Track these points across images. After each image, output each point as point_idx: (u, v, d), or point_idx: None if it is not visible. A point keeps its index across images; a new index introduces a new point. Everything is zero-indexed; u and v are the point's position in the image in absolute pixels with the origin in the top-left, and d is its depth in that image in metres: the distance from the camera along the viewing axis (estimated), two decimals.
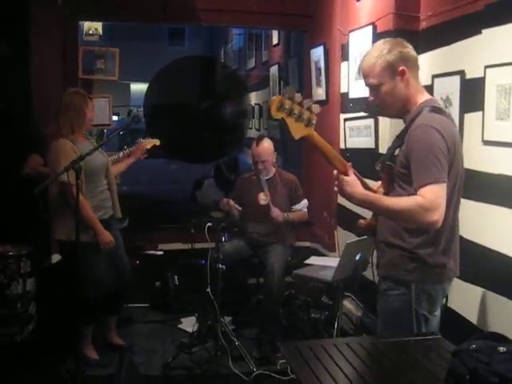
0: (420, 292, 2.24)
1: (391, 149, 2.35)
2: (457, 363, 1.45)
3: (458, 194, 2.23)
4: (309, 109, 2.10)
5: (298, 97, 2.08)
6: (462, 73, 2.98)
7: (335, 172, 2.19)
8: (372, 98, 2.28)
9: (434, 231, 2.17)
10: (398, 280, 2.27)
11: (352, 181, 2.15)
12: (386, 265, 2.33)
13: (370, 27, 3.78)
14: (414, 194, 2.09)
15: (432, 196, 2.02)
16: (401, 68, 2.19)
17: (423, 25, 3.48)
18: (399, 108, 2.26)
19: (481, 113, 2.78)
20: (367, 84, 2.27)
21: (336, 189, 2.21)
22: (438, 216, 2.02)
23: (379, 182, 2.40)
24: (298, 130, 2.11)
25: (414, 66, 2.24)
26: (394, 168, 2.27)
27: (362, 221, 2.52)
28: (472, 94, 2.89)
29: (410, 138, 2.16)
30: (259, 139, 4.18)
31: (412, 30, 3.48)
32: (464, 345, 1.48)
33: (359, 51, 3.96)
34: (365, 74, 2.26)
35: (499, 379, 1.33)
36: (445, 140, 2.09)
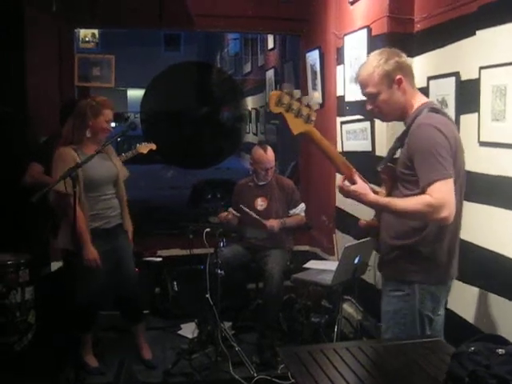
0: (424, 293, 2.26)
1: (392, 150, 2.39)
2: (456, 366, 1.44)
3: (460, 193, 2.24)
4: (308, 105, 2.11)
5: (296, 93, 2.11)
6: (457, 74, 2.99)
7: (340, 178, 2.22)
8: (370, 107, 2.32)
9: (436, 228, 2.20)
10: (402, 281, 2.28)
11: (361, 188, 2.18)
12: (389, 265, 2.34)
13: (365, 30, 3.78)
14: (418, 194, 2.12)
15: (440, 193, 2.05)
16: (398, 77, 2.24)
17: (418, 27, 3.48)
18: (397, 114, 2.32)
19: (476, 114, 2.79)
20: (365, 93, 2.31)
21: (339, 192, 2.26)
22: (448, 212, 2.05)
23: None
24: (297, 126, 2.12)
25: (409, 74, 2.29)
26: (395, 169, 2.30)
27: (362, 221, 2.52)
28: (467, 95, 2.90)
29: (412, 138, 2.19)
30: (265, 147, 4.17)
31: (406, 32, 3.49)
32: (463, 347, 1.48)
33: (354, 54, 3.97)
34: (363, 83, 2.30)
35: (498, 381, 1.33)
36: (446, 137, 2.13)
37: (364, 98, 3.68)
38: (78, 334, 3.55)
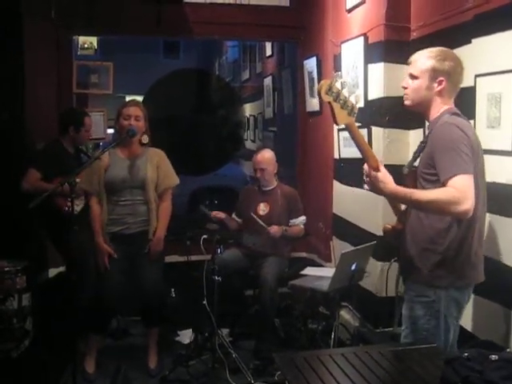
0: (449, 299, 2.27)
1: (416, 153, 2.41)
2: (449, 372, 1.45)
3: (483, 199, 2.28)
4: (353, 97, 2.15)
5: (344, 83, 2.13)
6: None
7: (365, 167, 2.24)
8: (405, 85, 2.38)
9: (462, 232, 2.21)
10: (428, 286, 2.29)
11: (383, 176, 2.19)
12: (415, 270, 2.34)
13: (362, 38, 3.81)
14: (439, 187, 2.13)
15: (462, 186, 2.05)
16: (441, 79, 2.29)
17: (414, 35, 3.51)
18: (417, 107, 2.38)
19: (472, 121, 2.80)
20: (409, 72, 2.37)
21: (366, 184, 2.27)
22: (468, 205, 2.04)
23: None
24: (342, 117, 2.15)
25: (454, 84, 2.34)
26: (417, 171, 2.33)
27: (387, 225, 2.53)
28: (463, 102, 2.90)
29: (434, 137, 2.24)
30: (260, 148, 4.28)
31: (403, 40, 3.52)
32: (456, 353, 1.49)
33: (351, 62, 3.99)
34: (412, 61, 2.37)
35: None
36: (468, 137, 2.16)
37: (361, 106, 3.71)
38: (92, 334, 3.63)
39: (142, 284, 3.65)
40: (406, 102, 2.42)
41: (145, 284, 3.65)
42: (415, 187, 2.31)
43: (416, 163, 2.40)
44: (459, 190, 2.04)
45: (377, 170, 2.20)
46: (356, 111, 2.16)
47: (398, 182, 2.38)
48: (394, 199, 2.33)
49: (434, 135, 2.25)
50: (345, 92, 2.13)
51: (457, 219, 2.22)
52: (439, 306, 2.27)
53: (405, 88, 2.39)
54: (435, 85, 2.30)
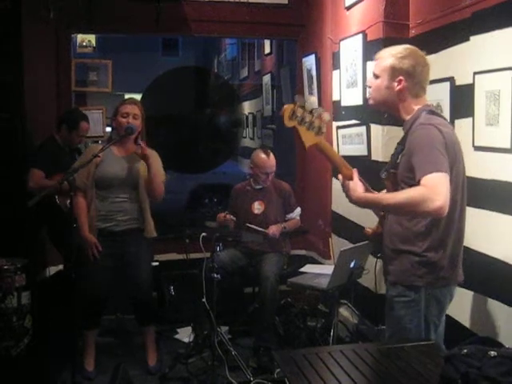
0: (430, 298, 2.26)
1: (394, 155, 2.38)
2: (448, 368, 1.45)
3: (461, 198, 2.25)
4: (319, 117, 2.14)
5: (308, 105, 2.12)
6: (451, 79, 3.01)
7: (340, 177, 2.23)
8: (368, 84, 2.39)
9: (441, 233, 2.21)
10: (408, 286, 2.28)
11: (353, 184, 2.18)
12: (395, 271, 2.34)
13: (360, 35, 3.81)
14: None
15: (433, 183, 2.00)
16: (400, 78, 2.26)
17: (412, 32, 3.51)
18: (384, 106, 2.36)
19: (471, 119, 2.81)
20: (373, 69, 2.37)
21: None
22: (441, 202, 1.97)
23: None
24: (309, 139, 2.14)
25: (416, 83, 2.28)
26: (397, 174, 2.30)
27: (368, 229, 2.54)
28: (462, 100, 2.92)
29: (411, 139, 2.20)
30: (267, 151, 4.18)
31: (401, 37, 3.51)
32: (455, 350, 1.49)
33: (350, 59, 3.99)
34: (376, 61, 2.36)
35: (490, 383, 1.34)
36: (444, 137, 2.13)
37: (360, 103, 3.70)
38: (84, 330, 3.62)
39: (131, 282, 3.65)
40: (369, 102, 2.41)
41: (133, 282, 3.64)
42: (396, 191, 2.28)
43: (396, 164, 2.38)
44: (429, 187, 1.99)
45: (350, 179, 2.19)
46: (324, 130, 2.14)
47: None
48: (365, 207, 2.29)
49: (411, 137, 2.21)
50: (309, 114, 2.10)
51: (435, 221, 2.19)
52: (420, 305, 2.27)
53: (369, 87, 2.38)
54: (395, 84, 2.27)
